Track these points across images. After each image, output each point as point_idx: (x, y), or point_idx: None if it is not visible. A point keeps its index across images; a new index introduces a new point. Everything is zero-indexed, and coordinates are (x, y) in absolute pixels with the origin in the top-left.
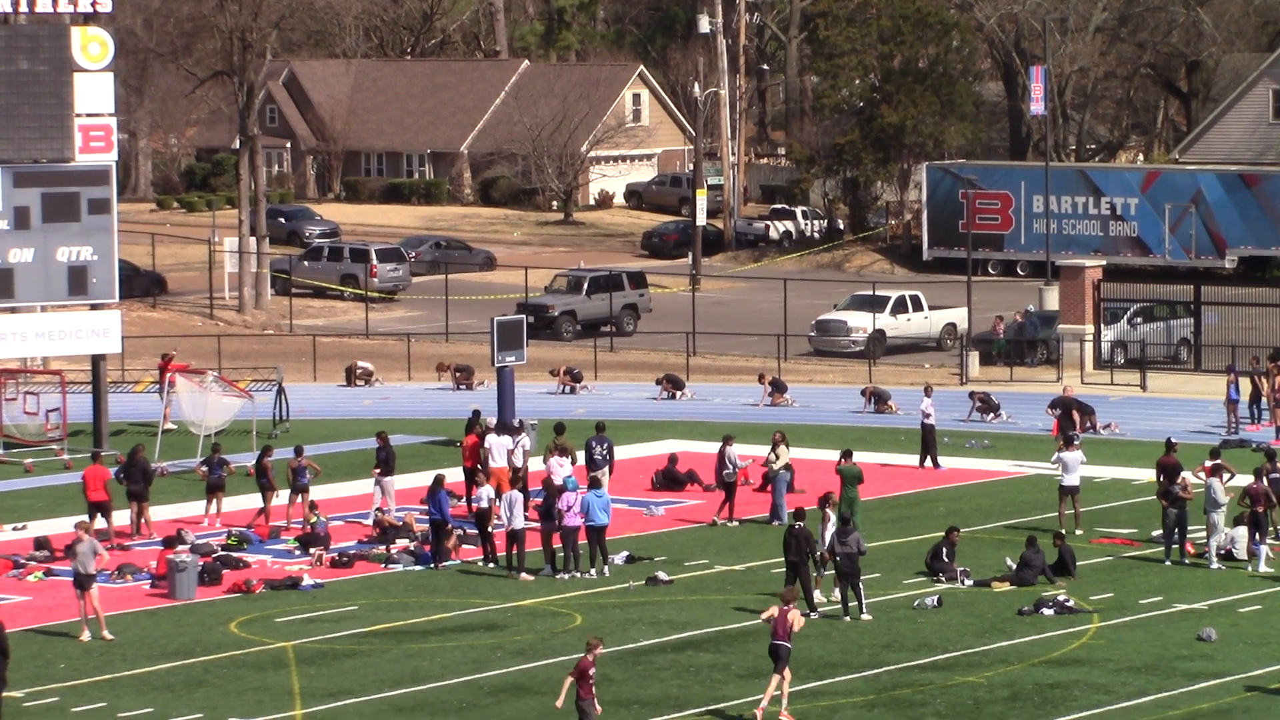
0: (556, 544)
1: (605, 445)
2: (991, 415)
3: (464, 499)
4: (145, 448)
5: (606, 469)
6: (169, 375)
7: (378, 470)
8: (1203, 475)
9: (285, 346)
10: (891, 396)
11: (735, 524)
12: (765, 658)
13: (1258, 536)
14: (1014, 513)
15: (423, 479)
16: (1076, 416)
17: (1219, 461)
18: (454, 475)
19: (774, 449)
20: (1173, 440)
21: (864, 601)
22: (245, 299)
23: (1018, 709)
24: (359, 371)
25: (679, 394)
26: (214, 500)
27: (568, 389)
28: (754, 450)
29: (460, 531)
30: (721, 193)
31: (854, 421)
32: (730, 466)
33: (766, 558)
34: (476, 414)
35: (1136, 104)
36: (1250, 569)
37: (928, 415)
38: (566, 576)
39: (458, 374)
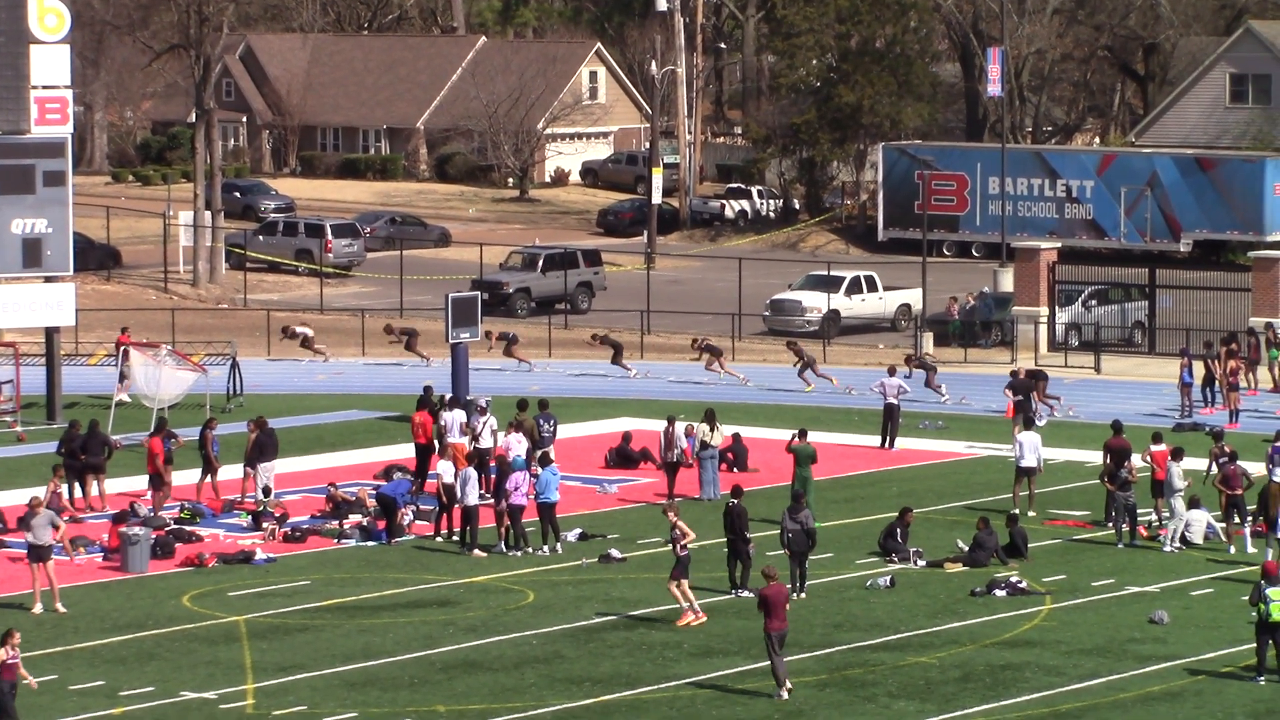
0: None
1: (551, 422)
2: (932, 374)
3: (415, 475)
4: (100, 422)
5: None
6: (122, 349)
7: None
8: (1149, 459)
9: (239, 321)
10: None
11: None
12: (717, 636)
13: (1236, 518)
14: (967, 494)
15: (376, 454)
16: (1037, 394)
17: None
18: (406, 451)
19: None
20: (1120, 423)
21: (805, 582)
22: (200, 273)
23: (969, 689)
24: (298, 336)
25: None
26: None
27: (492, 348)
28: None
29: (414, 507)
30: (677, 171)
31: (807, 401)
32: (677, 446)
33: (718, 536)
34: (428, 390)
35: (1093, 86)
36: (1233, 550)
37: (892, 394)
38: (518, 554)
39: (404, 335)
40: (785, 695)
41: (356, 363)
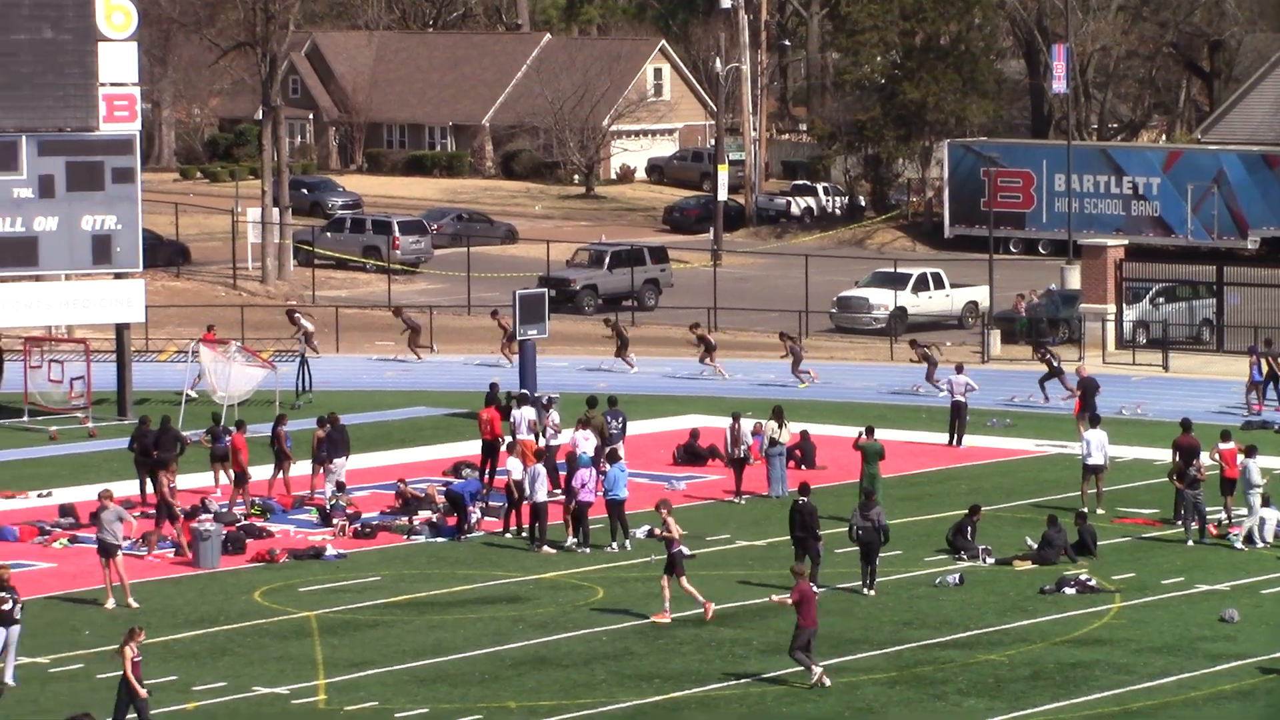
0: None
1: (620, 419)
2: (933, 369)
3: (480, 471)
4: (171, 418)
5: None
6: (202, 344)
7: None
8: (1217, 457)
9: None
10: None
11: (743, 500)
12: (786, 633)
13: None
14: (1035, 491)
15: (444, 451)
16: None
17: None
18: (474, 447)
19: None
20: (1189, 420)
21: (875, 579)
22: (268, 270)
23: (1039, 687)
24: (296, 320)
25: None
26: (220, 470)
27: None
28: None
29: (482, 504)
30: (743, 168)
31: (875, 399)
32: (743, 443)
33: (787, 533)
34: (494, 386)
35: (1159, 83)
36: None
37: (960, 392)
38: (587, 550)
39: (409, 328)
40: (823, 679)
41: (425, 359)
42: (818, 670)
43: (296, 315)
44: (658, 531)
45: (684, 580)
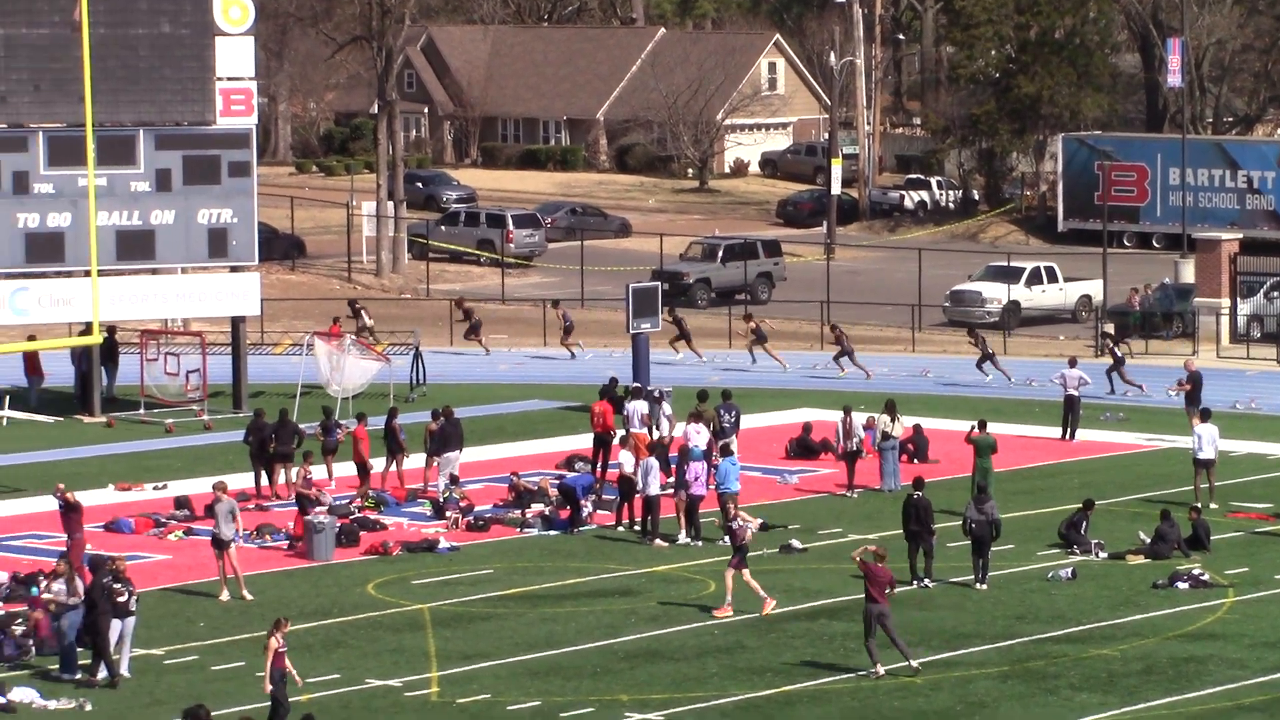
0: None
1: (733, 412)
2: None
3: (592, 464)
4: (289, 411)
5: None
6: (316, 337)
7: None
8: None
9: (422, 310)
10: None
11: (855, 494)
12: (899, 627)
13: None
14: (1148, 486)
15: (557, 444)
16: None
17: None
18: (587, 441)
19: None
20: None
21: (987, 573)
22: (383, 263)
23: (1152, 682)
24: (359, 312)
25: (690, 346)
26: (330, 464)
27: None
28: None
29: (594, 497)
30: (856, 162)
31: (988, 392)
32: (855, 436)
33: (899, 527)
34: (614, 381)
35: (1274, 77)
36: None
37: (1073, 386)
38: (700, 544)
39: (468, 319)
40: (881, 671)
41: (538, 352)
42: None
43: (359, 307)
44: (721, 523)
45: (746, 573)
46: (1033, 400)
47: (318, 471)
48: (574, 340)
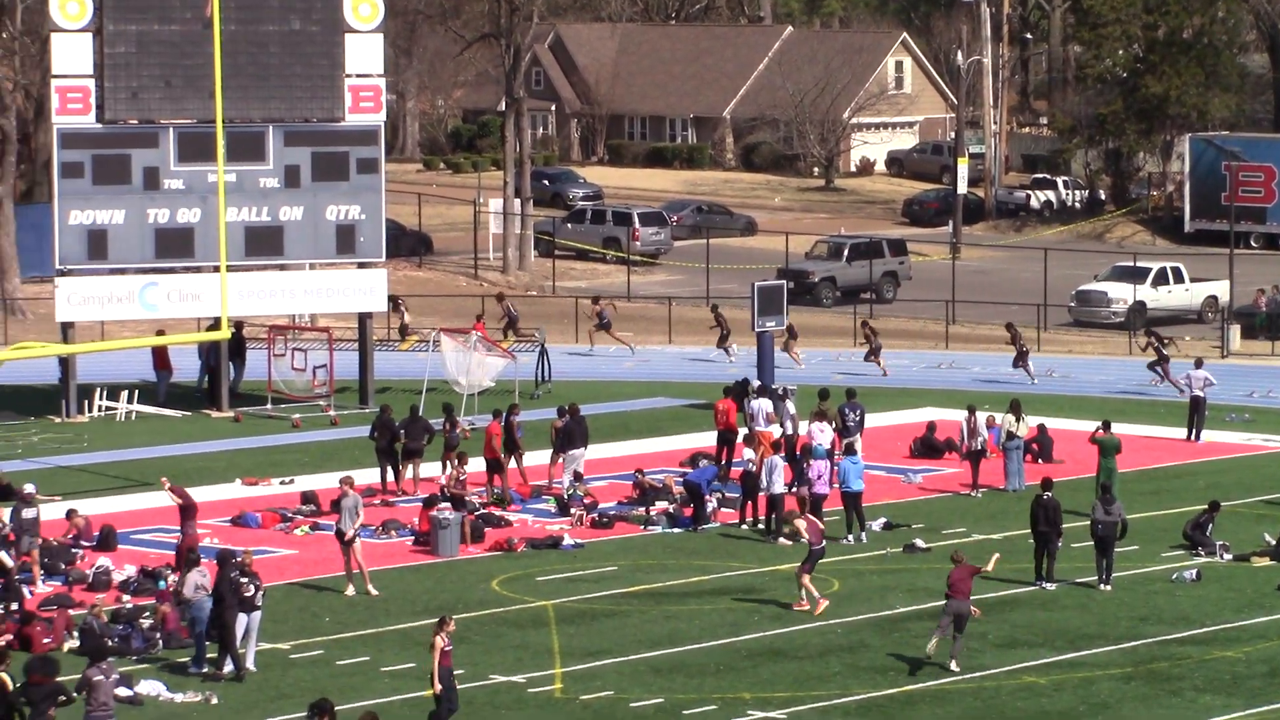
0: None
1: (858, 411)
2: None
3: (716, 461)
4: (419, 407)
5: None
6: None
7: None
8: None
9: (548, 308)
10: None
11: (980, 494)
12: (1022, 628)
13: None
14: (1274, 487)
15: (682, 442)
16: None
17: None
18: (711, 438)
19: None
20: None
21: (1112, 574)
22: (509, 260)
23: (1276, 684)
24: (402, 307)
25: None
26: (451, 460)
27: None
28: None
29: (719, 494)
30: (983, 161)
31: (1113, 393)
32: (979, 436)
33: (1024, 527)
34: (745, 382)
35: None
36: None
37: (1198, 387)
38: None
39: (506, 316)
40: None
41: (664, 350)
42: (934, 640)
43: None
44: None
45: (806, 577)
46: (1157, 401)
47: (432, 469)
48: (622, 335)
